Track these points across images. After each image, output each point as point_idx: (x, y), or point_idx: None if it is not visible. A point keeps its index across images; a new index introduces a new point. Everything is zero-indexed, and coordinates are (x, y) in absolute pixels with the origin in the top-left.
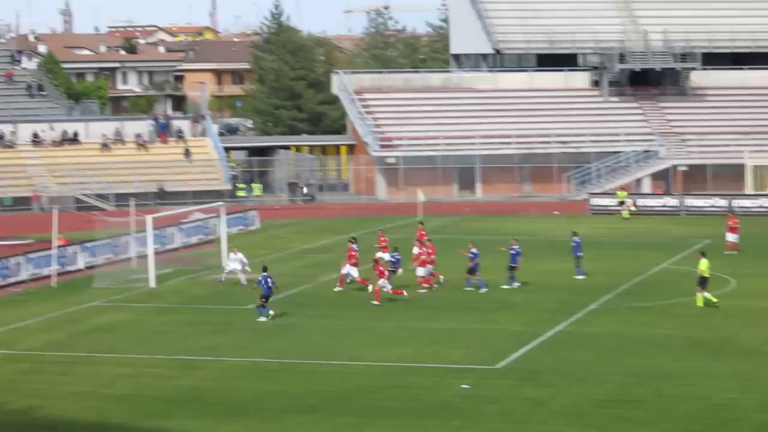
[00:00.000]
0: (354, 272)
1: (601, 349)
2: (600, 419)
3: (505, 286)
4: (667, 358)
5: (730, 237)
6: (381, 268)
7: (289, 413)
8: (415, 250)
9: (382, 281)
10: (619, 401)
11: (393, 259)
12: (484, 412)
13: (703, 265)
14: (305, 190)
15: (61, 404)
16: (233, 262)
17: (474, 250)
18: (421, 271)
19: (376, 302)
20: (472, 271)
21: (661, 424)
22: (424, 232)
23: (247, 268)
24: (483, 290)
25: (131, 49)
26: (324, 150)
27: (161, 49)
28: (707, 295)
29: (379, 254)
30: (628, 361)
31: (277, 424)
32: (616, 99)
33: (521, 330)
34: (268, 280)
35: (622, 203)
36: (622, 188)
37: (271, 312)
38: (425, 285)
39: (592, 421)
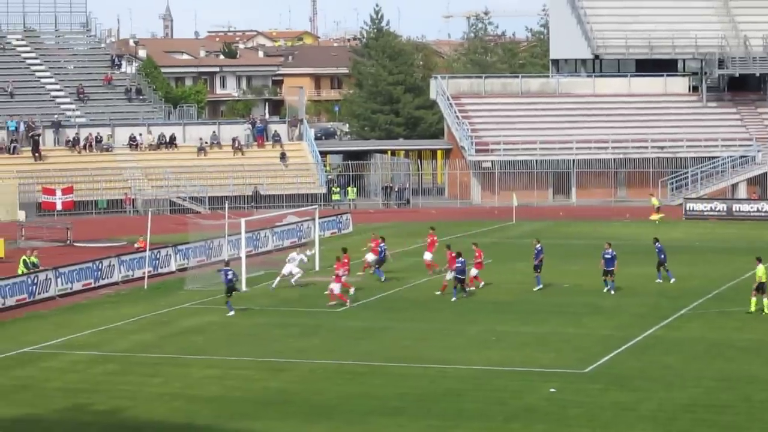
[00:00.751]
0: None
1: (690, 354)
2: (687, 424)
3: (608, 289)
4: (757, 363)
5: None
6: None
7: (375, 415)
8: (428, 257)
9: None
10: (707, 406)
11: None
12: (569, 416)
13: (761, 270)
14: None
15: (148, 405)
16: (290, 264)
17: (538, 246)
18: (449, 275)
19: (332, 302)
20: (537, 268)
21: (750, 429)
22: (435, 238)
23: (305, 259)
24: (538, 287)
25: (230, 53)
26: (420, 154)
27: (260, 53)
28: (766, 301)
29: (369, 255)
30: (718, 366)
31: (363, 426)
32: (714, 104)
33: (610, 334)
34: (228, 273)
35: (658, 209)
36: (652, 194)
37: (232, 312)
38: (470, 286)
39: (679, 426)
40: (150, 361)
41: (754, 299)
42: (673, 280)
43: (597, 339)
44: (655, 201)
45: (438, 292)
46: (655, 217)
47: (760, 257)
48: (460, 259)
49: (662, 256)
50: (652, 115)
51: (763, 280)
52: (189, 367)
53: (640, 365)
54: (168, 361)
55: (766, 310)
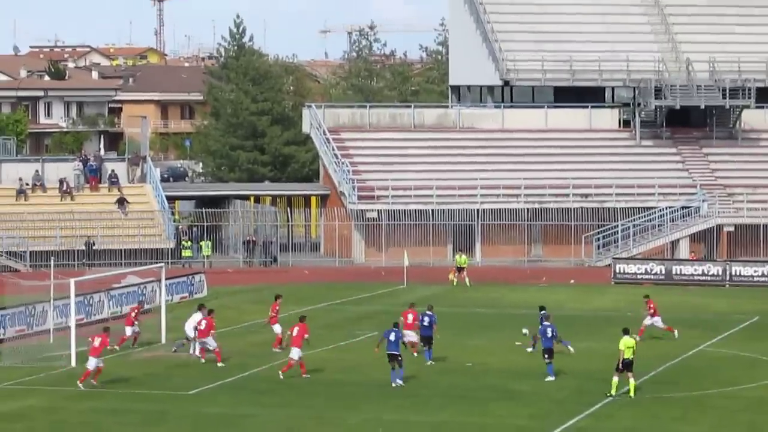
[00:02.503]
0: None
1: None
2: None
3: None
4: None
5: None
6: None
7: None
8: (278, 329)
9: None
10: None
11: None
12: None
13: (624, 344)
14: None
15: None
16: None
17: (429, 313)
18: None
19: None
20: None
21: None
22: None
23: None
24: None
25: (58, 73)
26: (290, 201)
27: (94, 74)
28: (632, 382)
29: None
30: None
31: None
32: (649, 142)
33: (524, 425)
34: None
35: (461, 270)
36: (461, 251)
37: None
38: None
39: None
40: None
41: (615, 380)
42: (571, 350)
43: (508, 431)
44: (460, 260)
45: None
46: (452, 276)
47: (626, 328)
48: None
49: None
50: (575, 156)
51: (628, 357)
52: None
53: None
54: None
55: (632, 393)
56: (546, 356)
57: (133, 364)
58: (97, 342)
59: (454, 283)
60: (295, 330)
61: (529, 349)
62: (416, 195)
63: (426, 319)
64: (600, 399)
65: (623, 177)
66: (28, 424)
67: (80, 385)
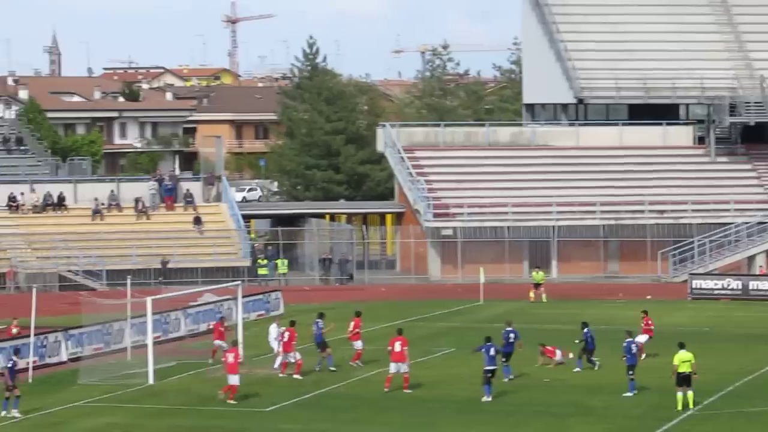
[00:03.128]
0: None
1: None
2: None
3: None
4: None
5: None
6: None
7: None
8: (358, 345)
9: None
10: None
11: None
12: None
13: (677, 359)
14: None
15: None
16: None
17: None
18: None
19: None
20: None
21: None
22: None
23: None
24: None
25: (132, 95)
26: (366, 219)
27: (168, 95)
28: (689, 393)
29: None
30: None
31: None
32: (725, 159)
33: None
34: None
35: (538, 286)
36: (538, 267)
37: None
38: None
39: None
40: None
41: (679, 395)
42: (597, 366)
43: None
44: (537, 276)
45: (386, 389)
46: (532, 294)
47: (682, 343)
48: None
49: (591, 345)
50: (649, 173)
51: (687, 371)
52: None
53: None
54: None
55: (691, 405)
56: (629, 372)
57: (212, 381)
58: (230, 358)
59: (532, 299)
60: (397, 345)
61: (576, 369)
62: (492, 212)
63: (511, 335)
64: (677, 415)
65: (699, 193)
66: None
67: (230, 401)
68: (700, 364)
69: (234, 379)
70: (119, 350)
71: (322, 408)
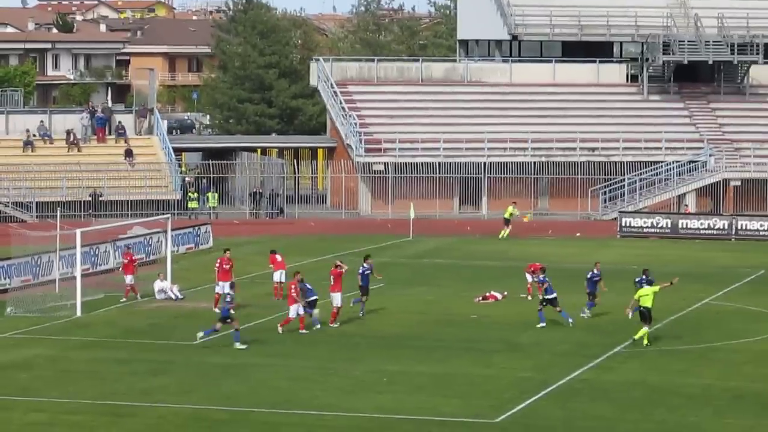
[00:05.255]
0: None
1: (626, 402)
2: None
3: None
4: (706, 414)
5: None
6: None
7: None
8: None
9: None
10: None
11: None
12: None
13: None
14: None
15: None
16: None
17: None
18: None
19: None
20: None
21: None
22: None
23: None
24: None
25: (65, 26)
26: (297, 153)
27: (102, 27)
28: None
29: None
30: (659, 417)
31: None
32: (657, 97)
33: (527, 377)
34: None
35: (507, 222)
36: (515, 203)
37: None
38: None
39: None
40: None
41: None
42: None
43: (511, 382)
44: (512, 210)
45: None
46: (503, 232)
47: (650, 279)
48: None
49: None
50: (582, 110)
51: (648, 305)
52: (10, 411)
53: (564, 414)
54: None
55: (646, 341)
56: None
57: (140, 314)
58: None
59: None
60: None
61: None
62: (423, 148)
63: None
64: (603, 352)
65: (630, 131)
66: (33, 373)
67: (280, 329)
68: (629, 302)
69: (292, 311)
70: (48, 282)
71: (251, 342)
